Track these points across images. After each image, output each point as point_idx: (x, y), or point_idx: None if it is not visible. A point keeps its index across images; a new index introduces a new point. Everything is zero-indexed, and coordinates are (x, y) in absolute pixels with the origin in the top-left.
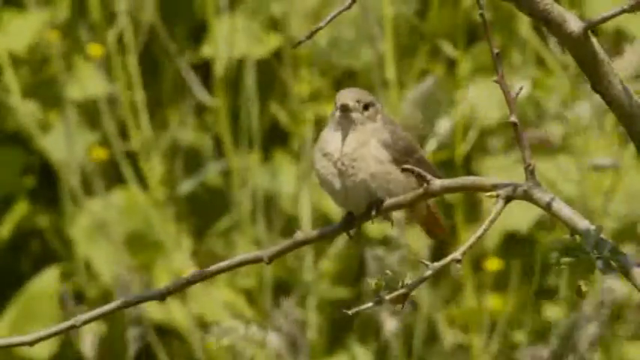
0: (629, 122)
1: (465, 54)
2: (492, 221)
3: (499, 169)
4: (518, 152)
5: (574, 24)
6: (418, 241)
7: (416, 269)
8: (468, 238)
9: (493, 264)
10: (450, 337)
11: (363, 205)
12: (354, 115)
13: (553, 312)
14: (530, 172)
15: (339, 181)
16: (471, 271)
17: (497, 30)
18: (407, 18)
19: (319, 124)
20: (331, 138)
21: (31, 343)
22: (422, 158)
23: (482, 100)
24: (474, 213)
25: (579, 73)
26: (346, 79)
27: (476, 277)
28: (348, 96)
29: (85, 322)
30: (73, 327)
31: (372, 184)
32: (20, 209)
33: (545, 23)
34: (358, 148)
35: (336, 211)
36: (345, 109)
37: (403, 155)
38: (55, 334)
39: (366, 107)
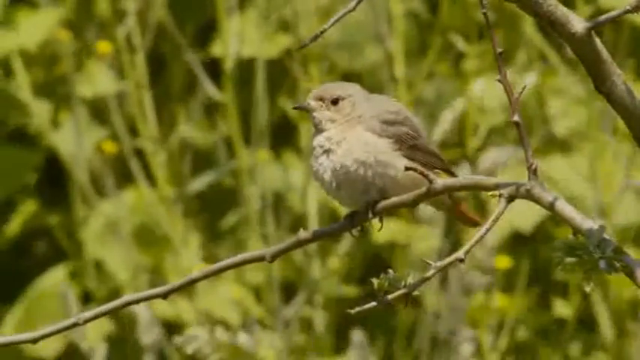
0: (632, 122)
1: (475, 49)
2: (495, 221)
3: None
4: (522, 151)
5: (578, 24)
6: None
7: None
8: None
9: (502, 262)
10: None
11: (359, 196)
12: (317, 115)
13: (562, 309)
14: (532, 172)
15: (329, 164)
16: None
17: (502, 30)
18: (416, 15)
19: None
20: (317, 133)
21: (35, 341)
22: (421, 145)
23: (487, 97)
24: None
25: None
26: (355, 76)
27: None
28: (311, 96)
29: (88, 320)
30: (75, 325)
31: (360, 165)
32: (29, 207)
33: (549, 23)
34: (341, 133)
35: (343, 208)
36: (305, 110)
37: (396, 142)
38: (58, 331)
39: (335, 102)
